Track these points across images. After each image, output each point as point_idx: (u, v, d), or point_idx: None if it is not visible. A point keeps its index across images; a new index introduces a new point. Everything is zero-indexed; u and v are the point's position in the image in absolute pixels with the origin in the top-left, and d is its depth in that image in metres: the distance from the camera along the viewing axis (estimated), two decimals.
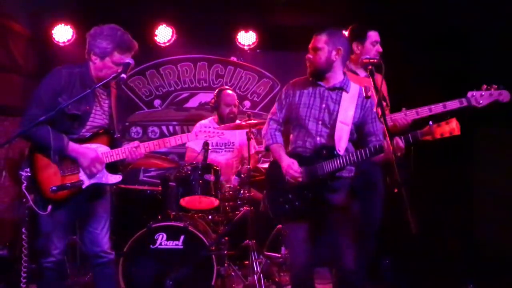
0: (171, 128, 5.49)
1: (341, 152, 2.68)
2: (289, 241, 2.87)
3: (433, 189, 4.46)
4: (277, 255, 4.12)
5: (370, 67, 2.63)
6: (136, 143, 2.85)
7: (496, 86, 3.07)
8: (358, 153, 2.66)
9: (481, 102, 3.04)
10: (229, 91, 4.57)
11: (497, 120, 4.05)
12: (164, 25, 5.21)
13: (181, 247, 3.57)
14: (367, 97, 2.65)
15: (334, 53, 2.75)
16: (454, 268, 4.00)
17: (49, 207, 2.68)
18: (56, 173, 2.73)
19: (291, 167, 2.71)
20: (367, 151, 2.64)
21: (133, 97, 5.49)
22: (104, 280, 2.90)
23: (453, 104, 3.12)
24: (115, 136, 2.87)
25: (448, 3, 4.54)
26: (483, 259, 4.08)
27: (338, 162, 2.67)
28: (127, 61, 2.79)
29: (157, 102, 5.51)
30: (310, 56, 2.81)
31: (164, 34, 5.23)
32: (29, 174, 2.70)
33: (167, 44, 5.27)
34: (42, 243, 2.77)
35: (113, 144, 2.84)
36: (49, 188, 2.68)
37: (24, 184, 2.69)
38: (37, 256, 2.82)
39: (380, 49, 3.41)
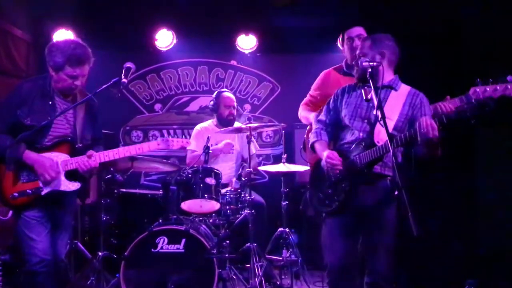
0: (171, 132, 5.50)
1: (380, 144, 2.66)
2: (325, 237, 2.82)
3: (435, 190, 4.46)
4: (278, 258, 4.13)
5: (370, 70, 2.64)
6: (89, 152, 2.87)
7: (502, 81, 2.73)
8: (395, 140, 2.57)
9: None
10: (228, 93, 4.59)
11: (500, 120, 4.05)
12: (164, 29, 5.23)
13: (182, 250, 3.57)
14: (367, 100, 2.66)
15: (378, 57, 2.76)
16: (457, 268, 3.99)
17: (10, 213, 2.80)
18: (17, 180, 2.80)
19: (331, 156, 2.74)
20: (401, 138, 2.57)
21: (134, 101, 5.50)
22: (52, 285, 2.85)
23: (455, 102, 2.98)
24: (77, 145, 2.90)
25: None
26: (484, 260, 4.08)
27: (374, 151, 2.64)
28: (128, 65, 2.82)
29: (157, 106, 5.53)
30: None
31: (164, 38, 5.25)
32: None
33: (168, 48, 5.29)
34: (23, 247, 2.79)
35: (74, 153, 2.88)
36: (10, 195, 2.77)
37: None
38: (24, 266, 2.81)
39: (358, 43, 3.38)
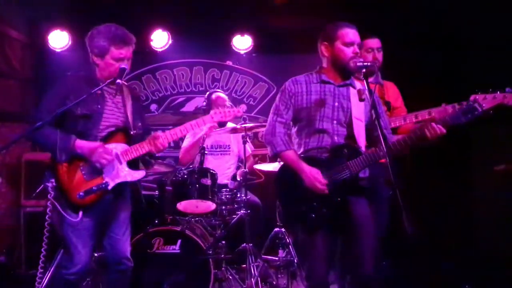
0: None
1: (363, 149, 2.61)
2: (308, 251, 2.64)
3: (431, 189, 4.47)
4: (274, 258, 4.13)
5: (363, 70, 2.65)
6: (156, 133, 2.83)
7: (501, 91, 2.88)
8: (390, 145, 2.52)
9: (483, 105, 2.78)
10: (219, 93, 4.56)
11: (496, 119, 4.05)
12: (160, 30, 5.23)
13: (178, 251, 3.57)
14: (361, 100, 2.66)
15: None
16: (451, 269, 4.01)
17: (80, 213, 2.68)
18: (80, 179, 2.73)
19: (316, 179, 2.56)
20: (403, 141, 2.54)
21: None
22: (119, 287, 2.87)
23: (452, 108, 3.00)
24: (132, 133, 2.85)
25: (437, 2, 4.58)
26: (480, 260, 4.09)
27: (366, 158, 2.56)
28: (122, 66, 2.80)
29: (153, 106, 5.52)
30: (358, 50, 2.71)
31: (160, 39, 5.25)
32: (55, 184, 2.70)
33: (163, 48, 5.29)
34: (67, 253, 2.73)
35: (131, 141, 2.83)
36: (77, 195, 2.69)
37: (52, 195, 2.70)
38: (58, 268, 2.84)
39: (376, 55, 3.40)
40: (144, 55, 5.35)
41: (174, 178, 3.90)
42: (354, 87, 2.74)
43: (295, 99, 2.75)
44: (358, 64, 2.63)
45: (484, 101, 2.84)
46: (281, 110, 2.75)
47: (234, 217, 3.97)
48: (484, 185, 4.53)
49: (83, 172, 2.74)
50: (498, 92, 2.88)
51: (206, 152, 3.97)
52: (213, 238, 3.86)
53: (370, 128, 2.73)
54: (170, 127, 5.44)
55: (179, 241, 3.57)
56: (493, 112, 2.67)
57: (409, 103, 3.62)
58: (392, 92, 3.54)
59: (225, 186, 4.20)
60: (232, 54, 5.44)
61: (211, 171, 3.89)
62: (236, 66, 5.54)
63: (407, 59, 4.59)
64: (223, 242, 3.90)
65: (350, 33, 2.69)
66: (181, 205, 3.82)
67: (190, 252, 3.55)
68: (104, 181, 2.75)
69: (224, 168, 4.44)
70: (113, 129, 2.83)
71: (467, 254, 4.16)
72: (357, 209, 2.64)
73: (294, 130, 2.80)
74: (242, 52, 5.37)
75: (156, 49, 5.28)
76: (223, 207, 3.99)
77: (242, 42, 5.32)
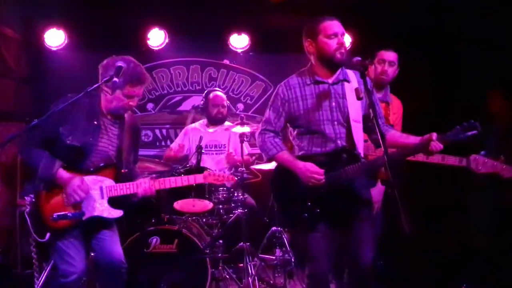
0: (164, 131, 5.48)
1: (361, 154, 2.60)
2: (308, 249, 2.63)
3: (428, 189, 4.47)
4: (271, 257, 4.12)
5: (361, 69, 2.63)
6: (150, 181, 2.82)
7: (503, 158, 2.86)
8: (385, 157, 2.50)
9: (480, 168, 2.86)
10: (217, 92, 4.57)
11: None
12: (156, 28, 5.21)
13: (175, 250, 3.56)
14: (359, 99, 2.64)
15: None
16: (448, 269, 4.01)
17: (47, 235, 2.66)
18: (60, 201, 2.70)
19: (312, 171, 2.55)
20: (392, 155, 2.51)
21: None
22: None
23: (452, 160, 2.99)
24: (122, 170, 2.82)
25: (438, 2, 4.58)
26: (477, 260, 4.09)
27: (364, 166, 2.57)
28: (119, 64, 2.77)
29: (150, 105, 5.50)
30: (342, 40, 2.66)
31: (156, 37, 5.23)
32: (33, 200, 2.68)
33: (160, 47, 5.27)
34: (62, 264, 2.69)
35: (119, 178, 2.80)
36: (50, 217, 2.65)
37: (27, 210, 2.67)
38: (56, 275, 2.77)
39: (385, 68, 3.40)
40: (140, 54, 5.31)
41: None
42: (348, 81, 2.69)
43: (289, 105, 2.70)
44: (354, 61, 2.58)
45: (484, 165, 2.85)
46: (271, 119, 2.73)
47: (231, 216, 3.96)
48: (482, 184, 4.54)
49: (64, 196, 2.71)
50: (498, 162, 2.85)
51: (203, 151, 3.96)
52: (210, 237, 3.86)
53: (366, 119, 2.71)
54: (167, 126, 5.47)
55: (176, 241, 3.57)
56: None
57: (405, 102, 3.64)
58: (397, 111, 3.54)
59: (222, 185, 4.19)
60: (229, 53, 5.42)
61: (208, 170, 3.87)
62: (233, 65, 5.53)
63: (402, 56, 4.60)
64: (220, 241, 3.89)
65: (331, 25, 2.66)
66: (178, 204, 3.81)
67: (187, 251, 3.54)
68: (81, 211, 2.72)
69: (219, 168, 4.43)
70: (103, 163, 2.80)
71: (466, 254, 4.16)
72: (352, 207, 2.63)
73: (294, 133, 2.76)
74: (239, 51, 5.35)
75: (152, 48, 5.26)
76: (220, 206, 3.98)
77: (239, 41, 5.31)
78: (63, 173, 2.69)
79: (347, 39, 5.23)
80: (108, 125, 2.83)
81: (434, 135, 2.51)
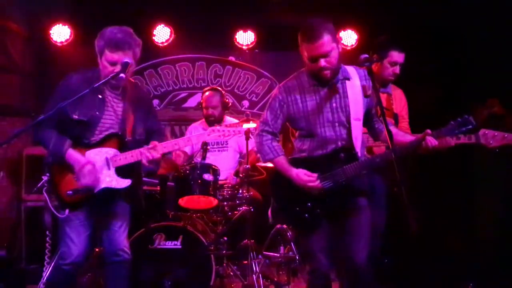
0: (169, 128, 5.48)
1: (359, 153, 2.59)
2: (309, 246, 2.64)
3: (433, 187, 4.46)
4: (276, 254, 4.11)
5: (367, 64, 2.61)
6: (153, 143, 2.77)
7: None
8: (382, 156, 2.56)
9: (491, 142, 2.79)
10: (209, 92, 4.38)
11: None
12: (162, 25, 5.21)
13: (180, 247, 3.56)
14: (367, 97, 2.63)
15: (339, 46, 2.58)
16: (455, 267, 3.99)
17: (67, 211, 2.72)
18: (71, 178, 2.74)
19: (304, 180, 2.54)
20: (388, 155, 2.53)
21: None
22: (115, 280, 2.88)
23: (461, 139, 2.88)
24: (126, 139, 2.81)
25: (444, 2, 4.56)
26: (484, 258, 4.08)
27: (362, 164, 2.56)
28: (125, 60, 2.76)
29: (155, 102, 5.50)
30: (324, 63, 2.51)
31: (162, 34, 5.23)
32: (49, 178, 2.74)
33: (166, 44, 5.26)
34: (62, 245, 2.76)
35: (123, 147, 2.80)
36: (66, 192, 2.71)
37: (45, 188, 2.75)
38: (57, 259, 2.84)
39: (397, 71, 3.35)
40: (146, 50, 5.25)
41: (176, 174, 3.88)
42: (349, 79, 2.63)
43: (287, 108, 2.65)
44: (362, 57, 2.55)
45: (494, 138, 2.78)
46: (269, 120, 2.70)
47: (236, 213, 3.96)
48: (487, 182, 4.52)
49: (75, 172, 2.75)
50: (509, 133, 2.79)
51: (208, 147, 3.95)
52: (214, 234, 3.85)
53: (370, 115, 2.71)
54: (172, 122, 5.47)
55: (180, 237, 3.57)
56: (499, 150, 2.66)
57: (410, 100, 3.62)
58: (399, 101, 3.51)
59: (226, 182, 4.18)
60: (234, 49, 5.42)
61: (213, 167, 3.87)
62: (239, 62, 5.52)
63: (409, 53, 4.57)
64: (225, 238, 3.89)
65: (310, 49, 2.52)
66: (183, 201, 3.80)
67: (191, 248, 3.54)
68: (92, 184, 2.74)
69: (222, 165, 4.41)
70: (107, 133, 2.81)
71: (472, 252, 4.15)
72: (353, 203, 2.63)
73: (296, 134, 2.74)
74: (244, 47, 5.35)
75: (158, 44, 5.26)
76: (225, 203, 3.98)
77: (245, 38, 5.30)
78: (72, 153, 2.72)
79: (352, 37, 5.21)
80: (112, 98, 2.84)
81: (429, 131, 2.51)
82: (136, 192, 2.96)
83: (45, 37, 5.16)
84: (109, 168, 2.77)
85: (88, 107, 2.74)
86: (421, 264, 4.06)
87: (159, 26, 5.20)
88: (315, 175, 2.54)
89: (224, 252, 3.79)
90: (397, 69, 3.37)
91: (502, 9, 4.18)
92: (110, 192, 2.79)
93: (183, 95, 5.53)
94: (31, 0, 4.84)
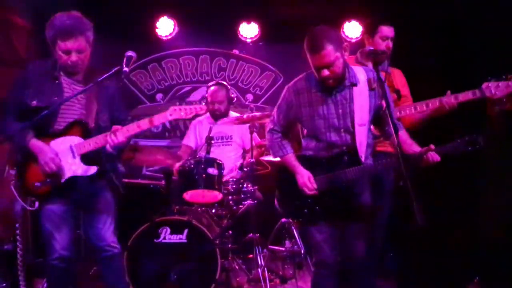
0: (173, 122, 5.47)
1: (363, 158, 2.61)
2: (313, 241, 2.71)
3: (438, 181, 4.43)
4: (281, 248, 4.13)
5: (375, 59, 2.61)
6: (115, 127, 2.72)
7: None
8: (382, 163, 2.62)
9: (496, 93, 2.83)
10: (214, 87, 4.36)
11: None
12: (165, 17, 5.18)
13: (185, 241, 3.56)
14: (372, 89, 2.62)
15: (344, 53, 2.59)
16: (460, 261, 3.98)
17: (36, 203, 2.71)
18: (37, 169, 2.72)
19: (306, 185, 2.65)
20: (388, 163, 2.61)
21: (135, 91, 5.47)
22: (111, 273, 2.90)
23: (465, 96, 2.99)
24: (90, 126, 2.77)
25: None
26: (489, 253, 4.06)
27: (364, 169, 2.60)
28: (129, 54, 2.74)
29: (159, 96, 5.49)
30: (327, 73, 2.55)
31: (165, 27, 5.21)
32: (16, 171, 2.73)
33: (169, 37, 5.25)
34: (45, 240, 2.78)
35: (88, 134, 2.76)
36: (33, 184, 2.70)
37: (12, 182, 2.72)
38: (44, 254, 2.83)
39: (390, 45, 3.32)
40: (149, 44, 5.31)
41: (180, 168, 3.88)
42: (356, 84, 2.65)
43: (295, 110, 2.72)
44: (367, 49, 2.58)
45: (497, 89, 2.81)
46: (277, 119, 2.80)
47: (241, 207, 3.96)
48: (492, 177, 4.49)
49: (41, 163, 2.72)
50: (510, 81, 2.80)
51: (213, 141, 3.95)
52: (219, 228, 3.86)
53: (378, 116, 2.71)
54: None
55: (186, 231, 3.57)
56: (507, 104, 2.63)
57: (414, 91, 3.58)
58: (399, 79, 3.48)
59: (231, 176, 4.18)
60: (238, 42, 5.39)
61: (218, 161, 3.87)
62: (243, 55, 5.49)
63: (413, 45, 4.53)
64: (230, 232, 3.89)
65: (313, 58, 2.56)
66: (188, 195, 3.80)
67: (197, 242, 3.54)
68: (58, 174, 2.72)
69: (226, 159, 4.41)
70: (71, 120, 2.77)
71: (478, 246, 4.13)
72: (357, 207, 2.69)
73: (304, 132, 2.79)
74: (248, 40, 5.32)
75: (161, 38, 5.24)
76: (230, 197, 3.98)
77: (249, 30, 5.27)
78: (35, 143, 2.69)
79: (357, 29, 5.17)
80: (71, 84, 2.81)
81: (432, 147, 2.52)
82: (110, 179, 2.90)
83: None
84: (74, 157, 2.74)
85: (46, 93, 2.71)
86: (426, 258, 4.05)
87: (162, 18, 5.18)
88: (315, 185, 2.64)
89: (229, 246, 3.81)
90: (389, 43, 3.34)
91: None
92: (80, 181, 2.75)
93: (186, 88, 5.51)
94: None
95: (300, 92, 2.70)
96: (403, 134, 2.70)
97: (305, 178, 2.66)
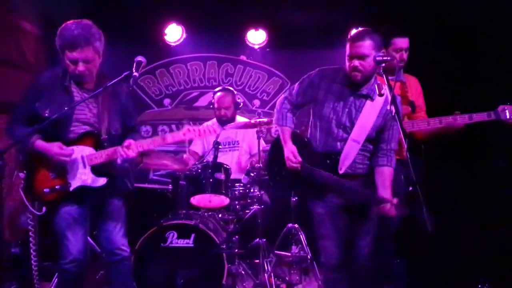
0: (180, 127, 5.48)
1: (342, 170, 2.68)
2: (318, 229, 2.79)
3: (446, 187, 4.42)
4: (287, 254, 4.11)
5: (383, 65, 2.62)
6: (127, 142, 2.73)
7: None
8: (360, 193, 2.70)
9: (511, 117, 2.85)
10: (220, 93, 4.36)
11: None
12: (174, 24, 5.22)
13: (192, 245, 3.57)
14: (380, 95, 2.63)
15: (380, 56, 2.64)
16: (469, 267, 3.96)
17: (44, 209, 2.72)
18: (47, 175, 2.73)
19: (290, 157, 2.74)
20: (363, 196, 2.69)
21: (143, 96, 5.50)
22: (119, 276, 2.89)
23: (480, 117, 3.01)
24: (102, 137, 2.78)
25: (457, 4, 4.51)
26: (498, 258, 4.04)
27: (332, 180, 2.66)
28: (139, 59, 2.75)
29: (167, 101, 5.52)
30: (357, 64, 2.62)
31: (174, 33, 5.24)
32: (25, 175, 2.73)
33: (177, 43, 5.28)
34: (60, 245, 2.76)
35: (100, 145, 2.77)
36: (42, 190, 2.71)
37: (21, 185, 2.72)
38: (56, 258, 2.82)
39: (404, 57, 3.32)
40: (157, 49, 5.35)
41: (188, 173, 3.89)
42: (372, 99, 2.70)
43: (314, 91, 2.79)
44: (377, 58, 2.60)
45: None
46: (294, 93, 2.86)
47: (247, 212, 3.96)
48: (499, 179, 4.48)
49: (50, 169, 2.74)
50: None
51: (220, 146, 3.96)
52: (226, 232, 3.85)
53: (376, 136, 2.73)
54: (183, 122, 5.48)
55: (192, 235, 3.57)
56: None
57: (428, 103, 3.57)
58: (415, 89, 3.46)
59: (238, 181, 4.18)
60: (246, 48, 5.42)
61: (225, 165, 3.87)
62: (250, 61, 5.51)
63: (428, 57, 4.52)
64: (237, 237, 3.89)
65: (350, 46, 2.66)
66: (195, 200, 3.81)
67: (203, 246, 3.55)
68: (67, 182, 2.73)
69: (233, 164, 4.41)
70: (82, 131, 2.78)
71: (486, 252, 4.11)
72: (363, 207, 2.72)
73: (311, 120, 2.85)
74: (256, 46, 5.35)
75: (170, 43, 5.27)
76: (236, 202, 3.98)
77: (256, 37, 5.30)
78: (42, 143, 2.70)
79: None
80: (79, 94, 2.80)
81: (395, 200, 2.54)
82: (119, 189, 2.90)
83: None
84: (84, 167, 2.75)
85: (58, 103, 2.72)
86: (434, 262, 4.03)
87: (171, 25, 5.21)
88: (299, 159, 2.72)
89: (236, 250, 3.80)
90: (403, 54, 3.33)
91: None
92: (89, 190, 2.76)
93: (194, 94, 5.54)
94: (44, 0, 4.88)
95: (325, 77, 2.79)
96: (389, 171, 2.71)
97: (290, 152, 2.74)
